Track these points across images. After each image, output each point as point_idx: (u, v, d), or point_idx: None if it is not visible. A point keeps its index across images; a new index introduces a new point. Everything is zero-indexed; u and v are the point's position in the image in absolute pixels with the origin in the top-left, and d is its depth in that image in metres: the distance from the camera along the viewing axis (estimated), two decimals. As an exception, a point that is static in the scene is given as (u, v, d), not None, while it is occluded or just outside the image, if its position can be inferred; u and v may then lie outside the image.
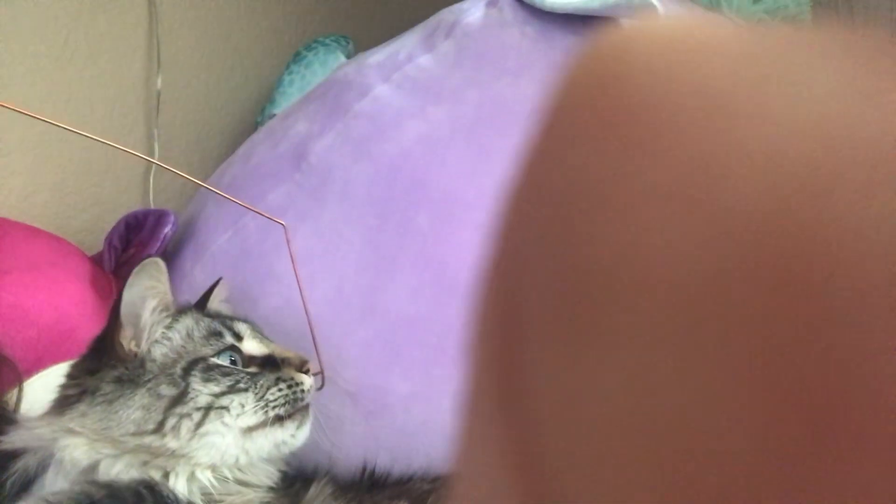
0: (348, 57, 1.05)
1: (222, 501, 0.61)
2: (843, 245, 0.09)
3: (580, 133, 0.11)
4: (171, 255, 0.87)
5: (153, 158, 1.12)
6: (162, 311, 0.63)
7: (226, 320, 0.67)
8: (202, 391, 0.59)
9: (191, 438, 0.58)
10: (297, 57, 1.07)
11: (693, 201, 0.10)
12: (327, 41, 1.07)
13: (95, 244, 0.97)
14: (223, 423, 0.59)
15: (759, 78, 0.10)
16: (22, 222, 0.94)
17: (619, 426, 0.10)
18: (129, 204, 1.10)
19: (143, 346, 0.61)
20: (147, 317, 0.62)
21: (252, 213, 0.79)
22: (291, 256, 0.71)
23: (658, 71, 0.11)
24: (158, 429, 0.58)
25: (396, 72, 0.79)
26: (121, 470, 0.57)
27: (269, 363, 0.64)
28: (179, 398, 0.59)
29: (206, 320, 0.65)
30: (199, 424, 0.59)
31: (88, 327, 0.77)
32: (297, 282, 0.71)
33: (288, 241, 0.71)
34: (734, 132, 0.10)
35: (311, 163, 0.79)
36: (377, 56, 0.83)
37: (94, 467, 0.57)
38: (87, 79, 1.06)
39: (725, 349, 0.09)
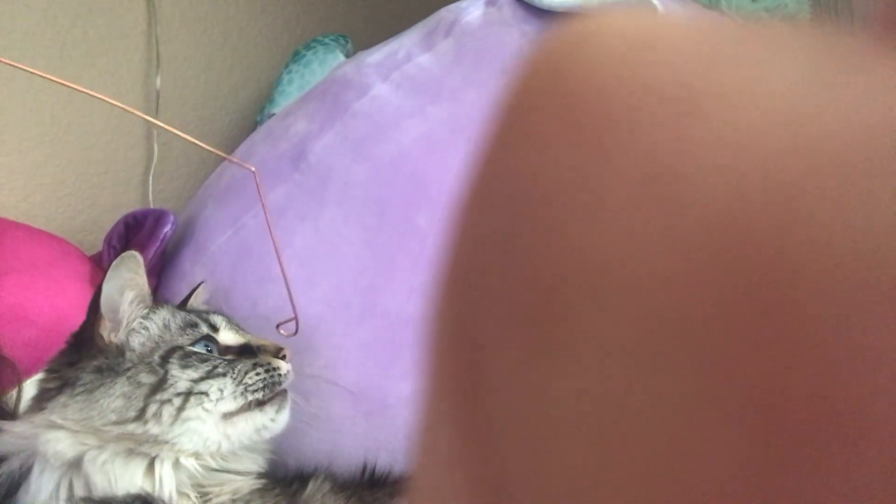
0: (347, 56, 1.05)
1: (212, 492, 0.61)
2: (815, 246, 0.08)
3: (535, 133, 0.10)
4: (170, 256, 0.87)
5: (153, 158, 1.12)
6: (139, 302, 0.64)
7: (202, 313, 0.68)
8: (181, 377, 0.60)
9: (172, 423, 0.59)
10: (296, 56, 1.07)
11: (653, 203, 0.09)
12: (326, 40, 1.07)
13: (95, 244, 0.97)
14: (203, 408, 0.60)
15: (722, 73, 0.09)
16: (22, 222, 0.93)
17: (579, 437, 0.09)
18: (129, 204, 1.10)
19: (122, 336, 0.62)
20: (126, 307, 0.63)
21: (252, 212, 0.79)
22: (262, 203, 0.71)
23: (615, 67, 0.10)
24: (140, 416, 0.59)
25: (395, 71, 0.79)
26: (106, 459, 0.58)
27: (246, 351, 0.65)
28: (159, 385, 0.60)
29: (183, 313, 0.67)
30: (181, 409, 0.59)
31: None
32: (269, 228, 0.71)
33: (258, 187, 0.71)
34: (696, 130, 0.09)
35: (310, 162, 0.79)
36: (376, 55, 0.83)
37: (79, 460, 0.58)
38: (87, 79, 1.06)
39: (690, 358, 0.09)
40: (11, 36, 0.99)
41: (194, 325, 0.65)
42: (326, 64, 1.03)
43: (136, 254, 0.64)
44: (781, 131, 0.09)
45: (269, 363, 0.64)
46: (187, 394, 0.60)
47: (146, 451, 0.59)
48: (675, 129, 0.09)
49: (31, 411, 0.61)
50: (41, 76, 0.62)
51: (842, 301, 0.08)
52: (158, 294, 0.86)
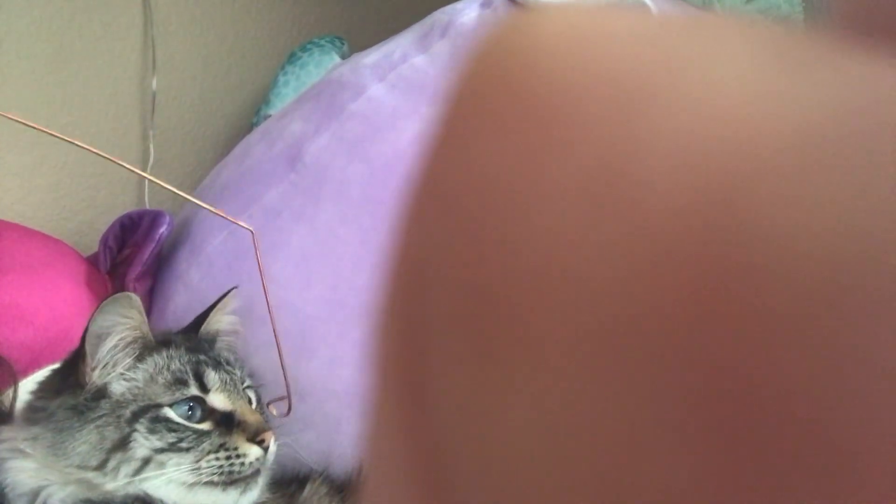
0: (343, 58, 1.05)
1: None
2: (773, 242, 0.08)
3: (480, 129, 0.10)
4: (166, 257, 0.87)
5: (149, 160, 1.12)
6: (124, 348, 0.62)
7: (201, 365, 0.64)
8: (143, 443, 0.59)
9: (128, 483, 0.59)
10: (291, 58, 1.08)
11: (605, 201, 0.09)
12: (322, 42, 1.07)
13: (91, 245, 0.97)
14: (162, 476, 0.59)
15: (676, 69, 0.09)
16: (17, 223, 0.93)
17: (532, 449, 0.09)
18: (125, 205, 1.10)
19: (98, 380, 0.61)
20: (104, 353, 0.61)
21: (248, 213, 0.79)
22: (259, 266, 0.68)
23: (564, 59, 0.10)
24: (100, 467, 0.58)
25: (391, 72, 0.80)
26: (64, 498, 0.58)
27: (226, 422, 0.62)
28: (121, 444, 0.59)
29: (177, 364, 0.64)
30: (138, 472, 0.59)
31: (83, 328, 0.78)
32: (265, 292, 0.68)
33: (256, 248, 0.68)
34: (648, 124, 0.09)
35: (306, 163, 0.79)
36: (372, 56, 0.84)
37: (37, 493, 0.58)
38: (82, 81, 1.06)
39: (647, 366, 0.08)
40: (7, 39, 0.99)
41: (183, 384, 0.62)
42: (322, 65, 1.03)
43: (132, 295, 0.63)
44: (737, 128, 0.08)
45: (236, 448, 0.61)
46: (146, 461, 0.59)
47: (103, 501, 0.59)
48: (627, 125, 0.09)
49: (18, 423, 0.62)
50: (42, 131, 0.62)
51: (804, 302, 0.08)
52: (154, 294, 0.86)
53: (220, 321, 0.71)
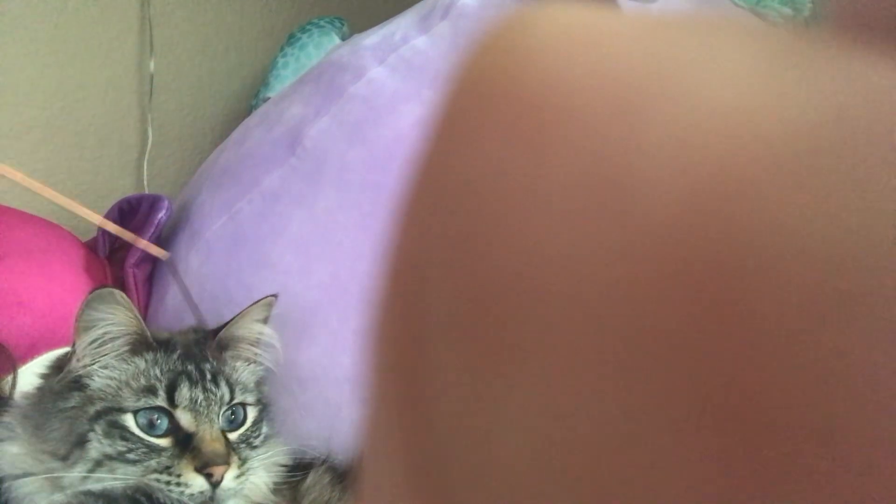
0: (343, 39, 1.04)
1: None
2: (772, 245, 0.08)
3: (478, 128, 0.10)
4: (165, 241, 0.86)
5: (147, 143, 1.11)
6: (104, 344, 0.61)
7: (180, 378, 0.62)
8: (96, 446, 0.59)
9: (82, 480, 0.58)
10: (291, 39, 1.06)
11: (600, 204, 0.09)
12: (322, 23, 1.06)
13: (90, 230, 0.97)
14: (113, 480, 0.59)
15: (671, 70, 0.09)
16: (15, 208, 0.93)
17: (529, 453, 0.09)
18: (124, 189, 1.10)
19: (79, 369, 0.61)
20: (84, 346, 0.61)
21: (247, 198, 0.79)
22: (182, 288, 0.65)
23: (559, 61, 0.10)
24: (65, 458, 0.59)
25: (392, 54, 0.78)
26: (33, 492, 0.58)
27: (184, 442, 0.60)
28: (80, 440, 0.59)
29: (156, 371, 0.62)
30: (91, 471, 0.59)
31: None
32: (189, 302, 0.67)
33: (175, 273, 0.65)
34: (646, 125, 0.09)
35: (305, 147, 0.78)
36: (372, 38, 0.82)
37: (14, 480, 0.59)
38: (80, 64, 1.05)
39: (647, 370, 0.08)
40: (3, 21, 0.98)
41: (153, 392, 0.61)
42: (322, 47, 1.02)
43: (116, 291, 0.61)
44: (733, 130, 0.08)
45: (179, 475, 0.59)
46: (98, 462, 0.59)
47: None
48: (625, 127, 0.09)
49: (27, 399, 0.63)
50: (38, 190, 0.60)
51: (803, 306, 0.08)
52: (153, 279, 0.85)
53: (243, 328, 0.68)
